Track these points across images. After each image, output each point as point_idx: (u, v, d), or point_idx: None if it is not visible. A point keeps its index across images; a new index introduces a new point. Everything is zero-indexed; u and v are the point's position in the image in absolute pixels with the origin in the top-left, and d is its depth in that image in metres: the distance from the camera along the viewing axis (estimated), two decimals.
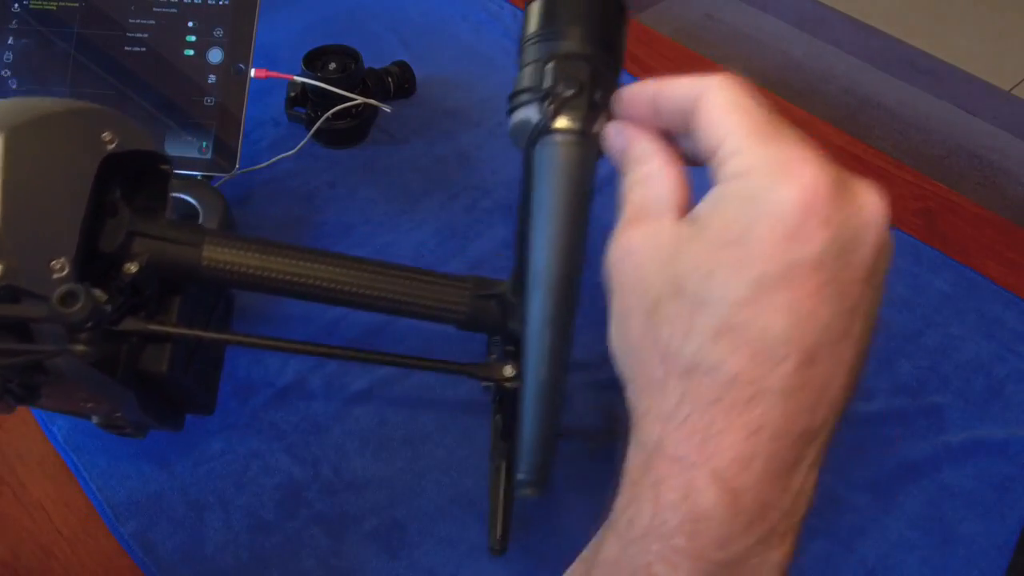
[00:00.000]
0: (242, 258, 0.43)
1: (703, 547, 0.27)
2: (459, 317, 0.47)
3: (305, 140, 0.81)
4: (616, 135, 0.34)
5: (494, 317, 0.47)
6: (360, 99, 0.82)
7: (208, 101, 0.69)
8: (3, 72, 0.70)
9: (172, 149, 0.69)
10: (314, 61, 0.83)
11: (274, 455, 0.62)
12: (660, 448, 0.29)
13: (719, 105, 0.30)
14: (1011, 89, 2.10)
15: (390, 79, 0.88)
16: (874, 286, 0.29)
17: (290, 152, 0.80)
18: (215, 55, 0.69)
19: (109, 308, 0.37)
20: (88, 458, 0.61)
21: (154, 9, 0.70)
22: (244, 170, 0.72)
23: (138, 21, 0.70)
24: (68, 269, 0.36)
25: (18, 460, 0.62)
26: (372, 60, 0.87)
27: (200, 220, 0.70)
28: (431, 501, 0.60)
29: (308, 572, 0.56)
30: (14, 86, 0.70)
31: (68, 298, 0.33)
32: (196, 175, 0.71)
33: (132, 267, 0.41)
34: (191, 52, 0.69)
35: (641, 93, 0.34)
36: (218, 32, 0.69)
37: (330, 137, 0.85)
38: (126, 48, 0.70)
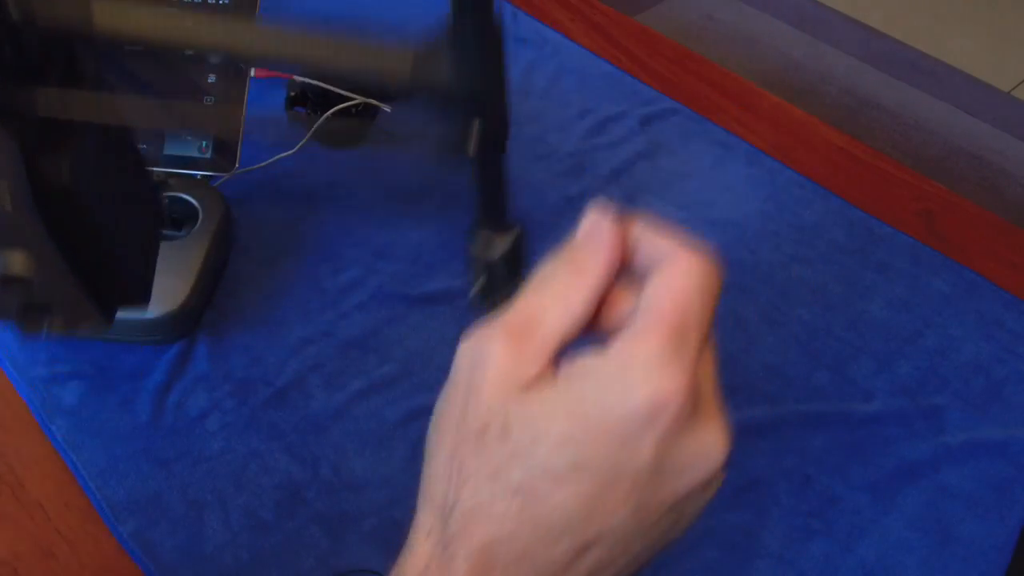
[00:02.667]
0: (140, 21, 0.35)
1: None
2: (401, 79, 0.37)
3: (305, 140, 0.81)
4: (595, 226, 0.31)
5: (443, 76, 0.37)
6: (360, 99, 0.82)
7: (208, 100, 0.69)
8: None
9: (172, 149, 0.69)
10: None
11: (273, 455, 0.62)
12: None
13: (674, 282, 0.28)
14: (1011, 90, 2.10)
15: None
16: (685, 514, 0.30)
17: (290, 152, 0.80)
18: (215, 54, 0.69)
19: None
20: (87, 457, 0.61)
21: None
22: (244, 170, 0.72)
23: None
24: None
25: (17, 459, 0.62)
26: None
27: (200, 220, 0.70)
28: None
29: (307, 572, 0.56)
30: None
31: None
32: (196, 175, 0.72)
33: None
34: (191, 51, 0.69)
35: (629, 224, 0.31)
36: None
37: (330, 137, 0.84)
38: (126, 47, 0.70)
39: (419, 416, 0.64)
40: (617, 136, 0.87)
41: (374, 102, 0.83)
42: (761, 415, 0.64)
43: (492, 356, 0.28)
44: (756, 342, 0.69)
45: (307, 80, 0.80)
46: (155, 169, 0.70)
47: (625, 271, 0.30)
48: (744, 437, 0.63)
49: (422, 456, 0.62)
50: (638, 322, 0.27)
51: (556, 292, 0.29)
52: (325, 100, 0.81)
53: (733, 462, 0.64)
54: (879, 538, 0.58)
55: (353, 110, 0.83)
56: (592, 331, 0.29)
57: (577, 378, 0.28)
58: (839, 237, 0.78)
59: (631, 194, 0.80)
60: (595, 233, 0.30)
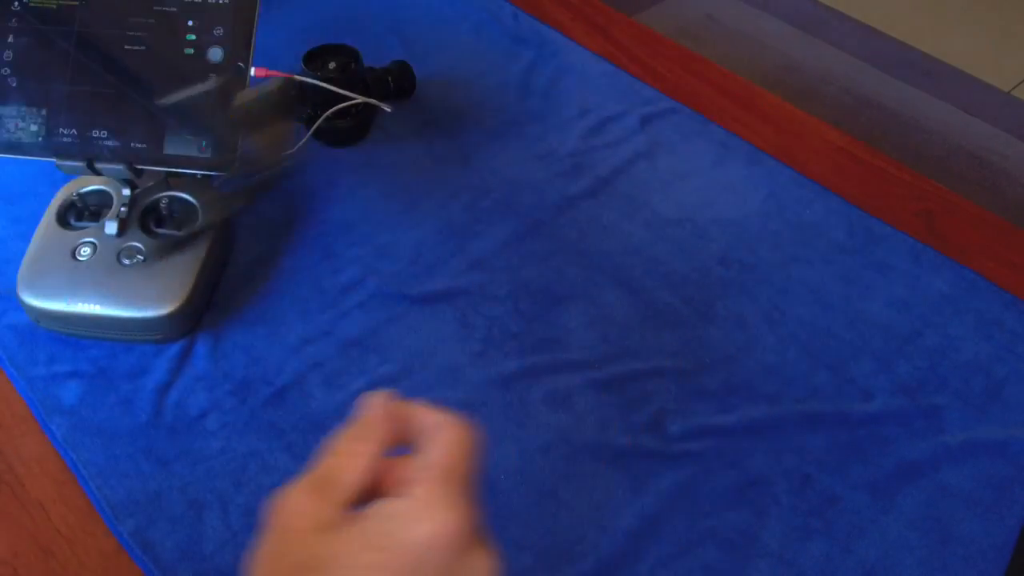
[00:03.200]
0: None
1: None
2: None
3: (305, 139, 0.81)
4: (373, 407, 0.38)
5: None
6: (360, 98, 0.82)
7: (208, 100, 0.69)
8: (3, 70, 0.70)
9: (172, 148, 0.69)
10: (314, 60, 0.83)
11: (273, 454, 0.62)
12: None
13: (445, 445, 0.36)
14: (1011, 90, 2.10)
15: (390, 78, 0.88)
16: None
17: (290, 151, 0.80)
18: (215, 54, 0.69)
19: None
20: (87, 456, 0.61)
21: (154, 8, 0.70)
22: (243, 169, 0.72)
23: (138, 20, 0.70)
24: None
25: (17, 458, 0.62)
26: (372, 59, 0.87)
27: (199, 219, 0.70)
28: None
29: None
30: (14, 84, 0.70)
31: None
32: (196, 174, 0.71)
33: None
34: (191, 51, 0.69)
35: (401, 405, 0.39)
36: (218, 31, 0.69)
37: (330, 136, 0.85)
38: (126, 47, 0.70)
39: None
40: (617, 136, 0.87)
41: (374, 102, 0.83)
42: (761, 415, 0.64)
43: (300, 506, 0.35)
44: (756, 342, 0.69)
45: (307, 79, 0.80)
46: (155, 168, 0.70)
47: (403, 440, 0.38)
48: (744, 437, 0.64)
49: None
50: (421, 475, 0.35)
51: (347, 456, 0.37)
52: (325, 99, 0.81)
53: (732, 461, 0.64)
54: (879, 538, 0.58)
55: (353, 110, 0.83)
56: (382, 486, 0.37)
57: (375, 518, 0.34)
58: (839, 237, 0.78)
59: (631, 193, 0.81)
60: (373, 412, 0.38)
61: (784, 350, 0.69)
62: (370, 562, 0.33)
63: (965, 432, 0.63)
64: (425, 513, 0.34)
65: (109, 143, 0.69)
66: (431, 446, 0.36)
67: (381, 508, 0.34)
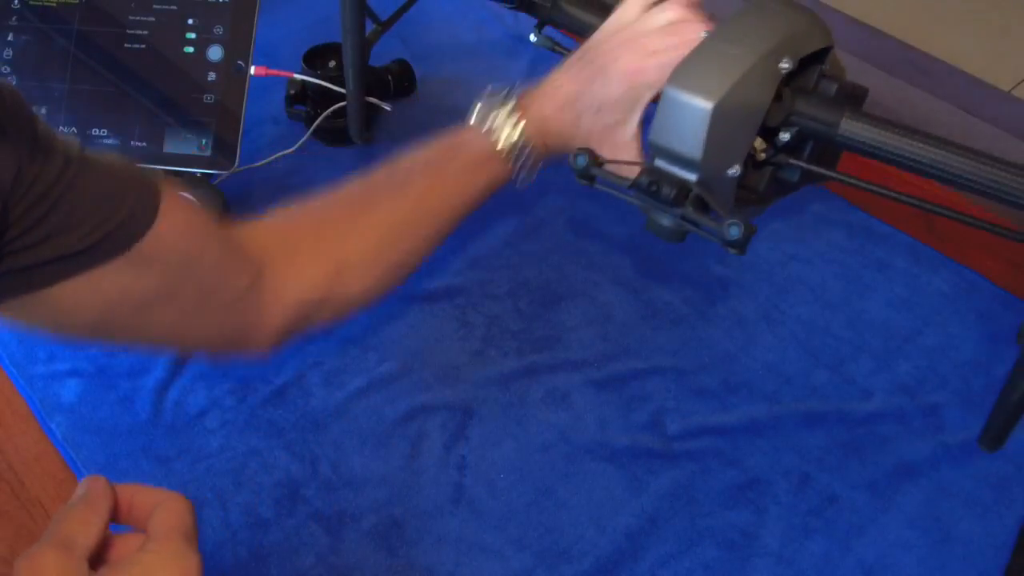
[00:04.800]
0: (874, 135, 0.58)
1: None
2: None
3: (305, 138, 0.81)
4: (96, 483, 0.42)
5: None
6: None
7: (208, 98, 0.69)
8: (3, 69, 0.70)
9: (171, 146, 0.69)
10: (314, 59, 0.83)
11: (273, 453, 0.62)
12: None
13: (168, 512, 0.41)
14: (1011, 89, 2.10)
15: (390, 77, 0.88)
16: None
17: (290, 150, 0.80)
18: (215, 53, 0.69)
19: (765, 157, 0.56)
20: (87, 455, 0.61)
21: (154, 6, 0.70)
22: (243, 167, 0.72)
23: (138, 18, 0.70)
24: (738, 170, 0.53)
25: (16, 457, 0.62)
26: (372, 58, 0.87)
27: None
28: (429, 499, 0.60)
29: (307, 569, 0.56)
30: (14, 82, 0.70)
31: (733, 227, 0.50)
32: (195, 172, 0.72)
33: (785, 135, 0.56)
34: (191, 49, 0.69)
35: (121, 490, 0.43)
36: (218, 30, 0.69)
37: (330, 135, 0.84)
38: (126, 45, 0.70)
39: (418, 414, 0.64)
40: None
41: (374, 101, 0.83)
42: (760, 414, 0.64)
43: (49, 564, 0.38)
44: (755, 340, 0.69)
45: (306, 78, 0.80)
46: (154, 166, 0.70)
47: (122, 517, 0.42)
48: (743, 436, 0.64)
49: (420, 454, 0.62)
50: (154, 536, 0.40)
51: (80, 523, 0.40)
52: (325, 98, 0.81)
53: (732, 460, 0.64)
54: (878, 537, 0.58)
55: None
56: (108, 556, 0.41)
57: (123, 570, 0.39)
58: (838, 236, 0.78)
59: None
60: (94, 487, 0.41)
61: (783, 349, 0.69)
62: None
63: (964, 431, 0.63)
64: (170, 562, 0.39)
65: (109, 141, 0.69)
66: (156, 516, 0.41)
67: (125, 563, 0.39)
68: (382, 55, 0.90)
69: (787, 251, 0.75)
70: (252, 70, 0.70)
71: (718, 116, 0.51)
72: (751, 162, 0.55)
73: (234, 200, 0.73)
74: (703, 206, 0.54)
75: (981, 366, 0.68)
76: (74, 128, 0.70)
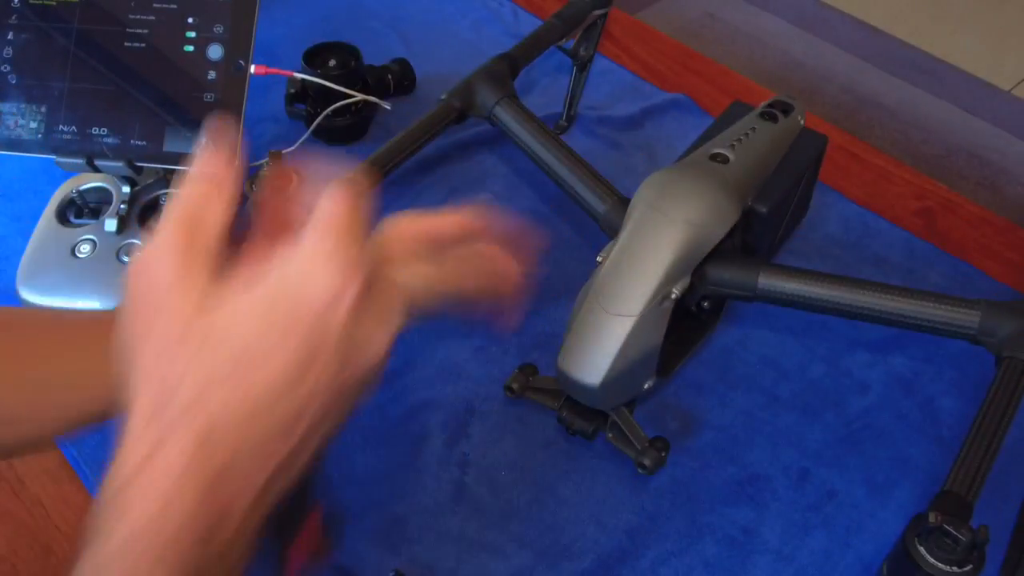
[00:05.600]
0: (790, 285, 0.59)
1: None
2: (970, 333, 0.56)
3: (305, 137, 0.81)
4: (216, 135, 0.34)
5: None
6: (360, 96, 0.82)
7: (208, 97, 0.69)
8: (3, 68, 0.70)
9: (171, 145, 0.69)
10: (314, 58, 0.83)
11: None
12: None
13: (334, 203, 0.33)
14: (1011, 89, 2.10)
15: (390, 76, 0.88)
16: (373, 356, 0.34)
17: (290, 149, 0.80)
18: (215, 51, 0.69)
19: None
20: (89, 454, 0.61)
21: (154, 5, 0.70)
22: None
23: (138, 17, 0.70)
24: (652, 382, 0.58)
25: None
26: (372, 57, 0.87)
27: None
28: (431, 497, 0.60)
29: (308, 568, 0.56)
30: (13, 81, 0.70)
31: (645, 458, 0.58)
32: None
33: (705, 304, 0.62)
34: (191, 48, 0.69)
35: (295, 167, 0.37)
36: (218, 28, 0.69)
37: (330, 134, 0.85)
38: (126, 44, 0.70)
39: (421, 412, 0.64)
40: (617, 132, 0.87)
41: (374, 99, 0.83)
42: (758, 408, 0.65)
43: (167, 274, 0.31)
44: (752, 335, 0.69)
45: (307, 77, 0.80)
46: (154, 166, 0.70)
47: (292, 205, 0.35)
48: (742, 431, 0.64)
49: (423, 452, 0.62)
50: (309, 232, 0.32)
51: (201, 198, 0.33)
52: (325, 97, 0.81)
53: (731, 456, 0.64)
54: (877, 532, 0.58)
55: (353, 108, 0.83)
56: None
57: (263, 277, 0.32)
58: (834, 230, 0.78)
59: (630, 189, 0.80)
60: (218, 143, 0.34)
61: (781, 343, 0.69)
62: (259, 329, 0.31)
63: (962, 424, 0.63)
64: (319, 269, 0.31)
65: (109, 140, 0.69)
66: (322, 204, 0.33)
67: (268, 269, 0.32)
68: (382, 54, 0.91)
69: (784, 246, 0.75)
70: (252, 69, 0.70)
71: (608, 383, 0.54)
72: (672, 337, 0.58)
73: None
74: (621, 431, 0.60)
75: (977, 357, 0.68)
76: (74, 127, 0.70)
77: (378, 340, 0.33)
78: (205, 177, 0.33)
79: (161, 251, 0.32)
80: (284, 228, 0.35)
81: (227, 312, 0.31)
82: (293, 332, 0.31)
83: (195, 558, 0.31)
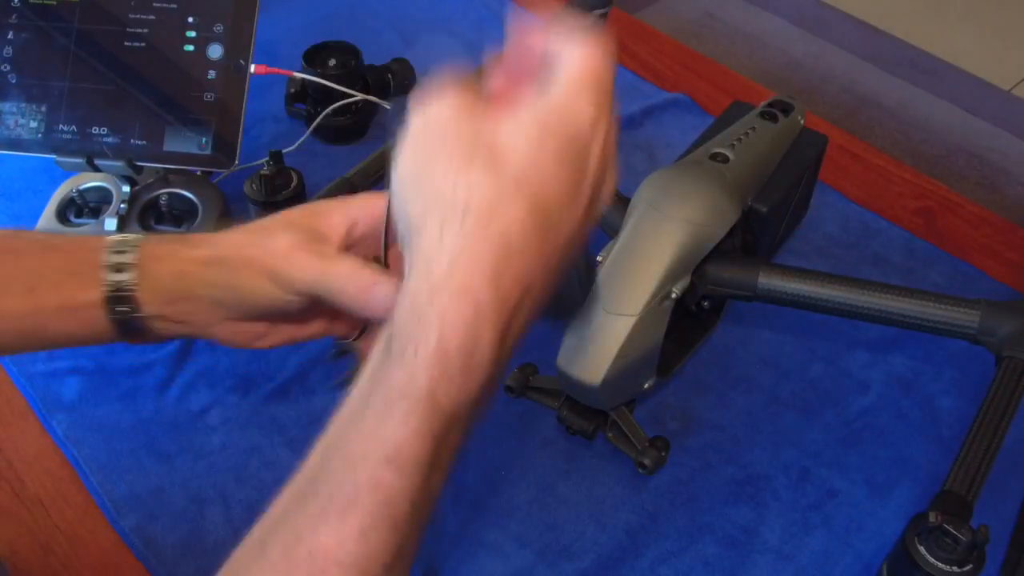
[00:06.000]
0: (789, 284, 0.59)
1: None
2: (970, 333, 0.57)
3: (305, 136, 0.81)
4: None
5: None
6: (360, 96, 0.82)
7: (208, 97, 0.69)
8: (3, 67, 0.71)
9: (171, 145, 0.69)
10: (314, 57, 0.83)
11: (275, 449, 0.62)
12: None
13: (591, 51, 0.35)
14: (1011, 89, 2.10)
15: (390, 76, 0.88)
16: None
17: (290, 148, 0.80)
18: (215, 51, 0.69)
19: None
20: (89, 452, 0.61)
21: (154, 4, 0.70)
22: (243, 166, 0.72)
23: (138, 16, 0.70)
24: (652, 382, 0.58)
25: (16, 455, 0.62)
26: (372, 57, 0.87)
27: (199, 216, 0.70)
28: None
29: None
30: (13, 81, 0.70)
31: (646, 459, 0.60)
32: (195, 171, 0.72)
33: (706, 303, 0.62)
34: (191, 48, 0.69)
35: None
36: (218, 28, 0.69)
37: (330, 134, 0.85)
38: (126, 43, 0.70)
39: None
40: (617, 131, 0.87)
41: (374, 99, 0.83)
42: (758, 408, 0.65)
43: (449, 106, 0.34)
44: (752, 335, 0.69)
45: (307, 77, 0.80)
46: (154, 165, 0.70)
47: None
48: (742, 431, 0.64)
49: None
50: (568, 66, 0.34)
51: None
52: (325, 96, 0.81)
53: (731, 456, 0.64)
54: (876, 532, 0.58)
55: (353, 107, 0.83)
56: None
57: (530, 107, 0.33)
58: (834, 230, 0.78)
59: (630, 188, 0.80)
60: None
61: (780, 343, 0.69)
62: (538, 153, 0.33)
63: (961, 424, 0.63)
64: (584, 100, 0.34)
65: (109, 140, 0.69)
66: (576, 50, 0.34)
67: (542, 96, 0.34)
68: (382, 53, 0.91)
69: (783, 245, 0.75)
70: (252, 68, 0.70)
71: (608, 383, 0.54)
72: (672, 336, 0.58)
73: (234, 199, 0.73)
74: (621, 431, 0.60)
75: (977, 356, 0.68)
76: (74, 127, 0.70)
77: (608, 188, 0.36)
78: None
79: (440, 90, 0.34)
80: (530, 72, 0.36)
81: (505, 134, 0.33)
82: (566, 155, 0.33)
83: (491, 368, 0.34)
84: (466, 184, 0.32)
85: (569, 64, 0.34)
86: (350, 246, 0.46)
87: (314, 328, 0.50)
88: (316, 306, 0.46)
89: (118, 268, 0.44)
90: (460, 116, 0.33)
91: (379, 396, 0.34)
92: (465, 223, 0.32)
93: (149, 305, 0.44)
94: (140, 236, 0.45)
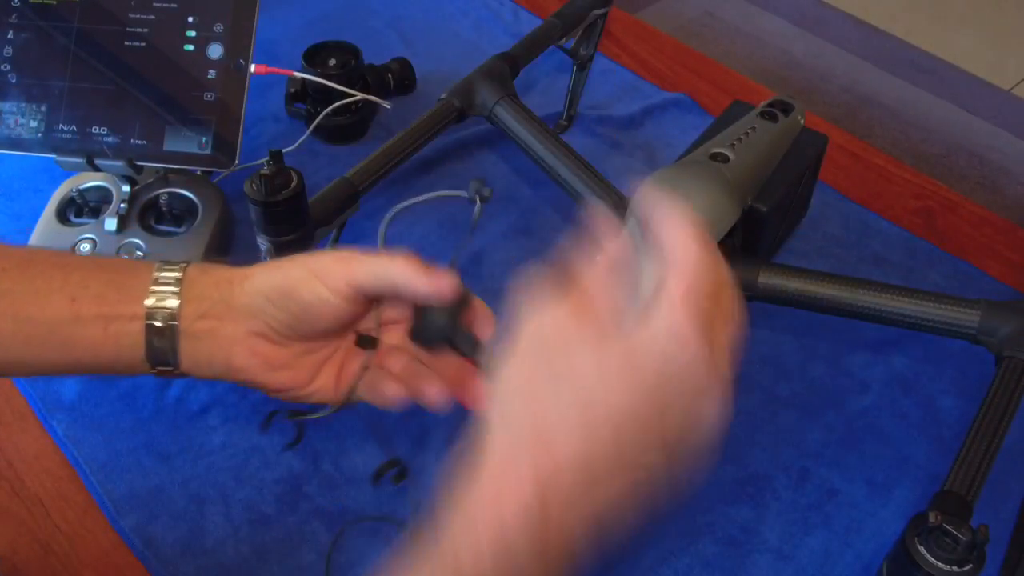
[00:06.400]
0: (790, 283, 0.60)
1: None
2: (970, 333, 0.57)
3: (305, 136, 0.81)
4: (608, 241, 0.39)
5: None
6: (360, 95, 0.82)
7: (208, 96, 0.69)
8: (3, 67, 0.70)
9: (171, 144, 0.69)
10: (314, 57, 0.83)
11: (275, 449, 0.62)
12: None
13: (683, 265, 0.36)
14: (1011, 89, 2.10)
15: (390, 75, 0.88)
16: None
17: (290, 148, 0.80)
18: (215, 50, 0.69)
19: None
20: (88, 452, 0.61)
21: (154, 4, 0.70)
22: (243, 166, 0.72)
23: (138, 16, 0.70)
24: None
25: (16, 455, 0.62)
26: (372, 56, 0.87)
27: (199, 216, 0.70)
28: (431, 496, 0.60)
29: (308, 566, 0.56)
30: (13, 80, 0.70)
31: None
32: (195, 171, 0.72)
33: None
34: (191, 47, 0.69)
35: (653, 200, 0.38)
36: (218, 27, 0.69)
37: (330, 133, 0.85)
38: (126, 43, 0.70)
39: (421, 410, 0.64)
40: (617, 132, 0.87)
41: (374, 99, 0.83)
42: (758, 408, 0.65)
43: (561, 320, 0.36)
44: (752, 335, 0.69)
45: (307, 76, 0.80)
46: (154, 165, 0.70)
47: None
48: (742, 430, 0.64)
49: (423, 450, 0.62)
50: (672, 290, 0.34)
51: (598, 287, 0.37)
52: (325, 96, 0.81)
53: (731, 456, 0.64)
54: (876, 531, 0.58)
55: (353, 107, 0.83)
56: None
57: (628, 340, 0.34)
58: (834, 229, 0.78)
59: (630, 188, 0.81)
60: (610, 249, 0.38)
61: (780, 342, 0.69)
62: (625, 378, 0.34)
63: (961, 423, 0.63)
64: (676, 343, 0.34)
65: (109, 139, 0.69)
66: (669, 264, 0.35)
67: (640, 332, 0.35)
68: (382, 52, 0.91)
69: (784, 246, 0.75)
70: (252, 68, 0.70)
71: None
72: None
73: (234, 199, 0.73)
74: None
75: (977, 356, 0.68)
76: (74, 126, 0.70)
77: (710, 416, 0.36)
78: (604, 258, 0.37)
79: (561, 311, 0.36)
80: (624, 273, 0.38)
81: (593, 363, 0.34)
82: (651, 398, 0.34)
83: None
84: (535, 406, 0.34)
85: (673, 280, 0.34)
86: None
87: (327, 377, 0.51)
88: (352, 319, 0.48)
89: (165, 280, 0.46)
90: (568, 341, 0.35)
91: None
92: (520, 446, 0.34)
93: (185, 318, 0.45)
94: (189, 262, 0.47)
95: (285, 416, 0.54)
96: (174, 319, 0.45)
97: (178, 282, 0.46)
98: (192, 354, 0.47)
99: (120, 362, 0.47)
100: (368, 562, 0.56)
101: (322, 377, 0.50)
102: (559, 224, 0.78)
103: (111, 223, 0.69)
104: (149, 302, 0.45)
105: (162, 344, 0.46)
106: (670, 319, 0.34)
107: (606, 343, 0.35)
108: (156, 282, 0.46)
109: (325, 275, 0.45)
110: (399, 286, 0.46)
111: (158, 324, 0.45)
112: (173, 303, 0.45)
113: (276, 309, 0.46)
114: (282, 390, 0.50)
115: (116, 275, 0.47)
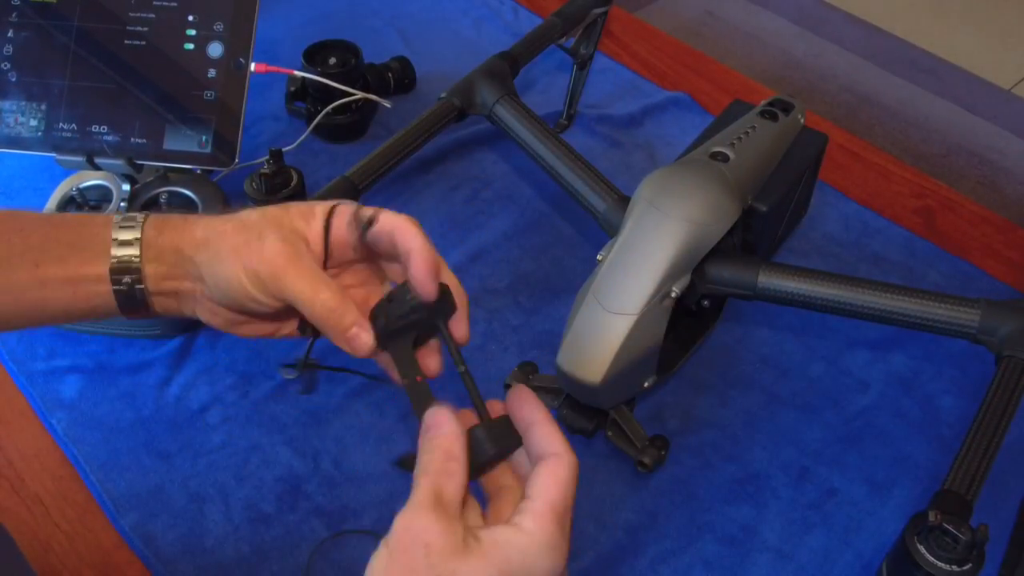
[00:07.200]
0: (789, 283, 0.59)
1: None
2: (970, 332, 0.57)
3: (305, 135, 0.81)
4: (447, 427, 0.41)
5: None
6: (360, 94, 0.82)
7: (208, 95, 0.69)
8: (3, 65, 0.70)
9: (171, 143, 0.69)
10: (314, 56, 0.83)
11: (274, 448, 0.62)
12: None
13: (554, 479, 0.38)
14: (1011, 88, 2.10)
15: (390, 74, 0.88)
16: None
17: (290, 147, 0.80)
18: (215, 49, 0.69)
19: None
20: (88, 451, 0.61)
21: (154, 3, 0.70)
22: (243, 164, 0.72)
23: (138, 15, 0.70)
24: (653, 380, 0.58)
25: (16, 454, 0.62)
26: (372, 55, 0.87)
27: (199, 214, 0.70)
28: None
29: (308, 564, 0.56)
30: (13, 79, 0.70)
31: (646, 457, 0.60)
32: (195, 169, 0.72)
33: (705, 303, 0.62)
34: (191, 46, 0.69)
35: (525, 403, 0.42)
36: (218, 26, 0.69)
37: (330, 132, 0.85)
38: (126, 42, 0.70)
39: None
40: (617, 131, 0.87)
41: (374, 98, 0.83)
42: (758, 407, 0.65)
43: (433, 533, 0.36)
44: (752, 334, 0.69)
45: (307, 75, 0.80)
46: (154, 163, 0.70)
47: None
48: (742, 430, 0.64)
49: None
50: (536, 507, 0.37)
51: (444, 475, 0.38)
52: (325, 95, 0.81)
53: (731, 455, 0.64)
54: (876, 531, 0.58)
55: (353, 106, 0.83)
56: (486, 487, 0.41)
57: (498, 547, 0.36)
58: (834, 229, 0.78)
59: (630, 186, 0.81)
60: (445, 428, 0.41)
61: (780, 342, 0.69)
62: None
63: (961, 422, 0.63)
64: (546, 554, 0.36)
65: (109, 138, 0.69)
66: (538, 480, 0.38)
67: (501, 538, 0.37)
68: (382, 51, 0.91)
69: (784, 245, 0.75)
70: (252, 67, 0.70)
71: (608, 381, 0.54)
72: (672, 335, 0.59)
73: (234, 198, 0.73)
74: (621, 429, 0.60)
75: (977, 355, 0.68)
76: (74, 125, 0.70)
77: None
78: (448, 464, 0.38)
79: (427, 515, 0.37)
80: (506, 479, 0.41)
81: (475, 571, 0.35)
82: None
83: None
84: None
85: (541, 511, 0.37)
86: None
87: (289, 329, 0.50)
88: (291, 311, 0.46)
89: (125, 242, 0.45)
90: (433, 553, 0.35)
91: None
92: None
93: (150, 279, 0.45)
94: (145, 213, 0.47)
95: (297, 370, 0.54)
96: (140, 283, 0.45)
97: (137, 242, 0.45)
98: (163, 306, 0.47)
99: (95, 315, 0.47)
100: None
101: (287, 327, 0.50)
102: (559, 224, 0.78)
103: None
104: (113, 264, 0.45)
105: (132, 301, 0.46)
106: (545, 530, 0.36)
107: (477, 552, 0.36)
108: (117, 244, 0.45)
109: (257, 278, 0.44)
110: (314, 323, 0.45)
111: (124, 289, 0.46)
112: (136, 266, 0.45)
113: (217, 293, 0.46)
114: (256, 336, 0.50)
115: (75, 236, 0.46)
